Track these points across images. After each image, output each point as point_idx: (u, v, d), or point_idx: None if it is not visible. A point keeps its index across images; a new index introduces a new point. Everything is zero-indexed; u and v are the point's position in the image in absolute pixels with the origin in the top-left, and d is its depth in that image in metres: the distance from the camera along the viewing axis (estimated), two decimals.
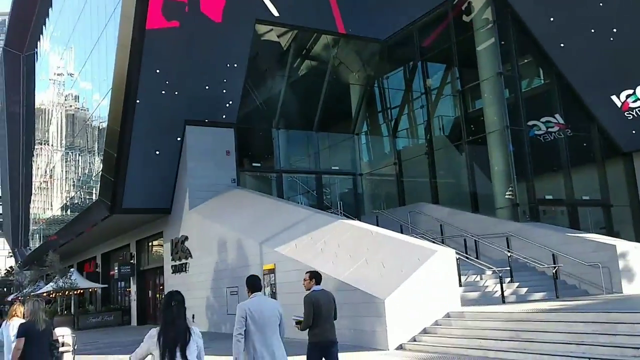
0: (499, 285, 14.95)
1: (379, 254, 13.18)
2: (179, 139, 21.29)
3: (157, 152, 21.22)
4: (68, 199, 34.10)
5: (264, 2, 21.09)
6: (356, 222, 15.83)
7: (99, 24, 26.10)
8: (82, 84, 30.94)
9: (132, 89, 19.81)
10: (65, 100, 35.76)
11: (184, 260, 21.07)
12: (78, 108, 32.34)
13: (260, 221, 17.88)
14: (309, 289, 6.85)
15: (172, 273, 21.92)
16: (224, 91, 21.30)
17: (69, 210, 33.46)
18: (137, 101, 19.98)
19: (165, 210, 22.23)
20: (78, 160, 31.85)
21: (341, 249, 14.09)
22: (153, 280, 25.59)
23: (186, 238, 20.92)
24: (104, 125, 26.44)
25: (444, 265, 12.49)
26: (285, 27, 22.15)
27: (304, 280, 6.95)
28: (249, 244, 16.75)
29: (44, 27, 46.44)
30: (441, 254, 12.51)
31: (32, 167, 52.20)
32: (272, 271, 15.42)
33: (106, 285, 29.80)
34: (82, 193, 30.04)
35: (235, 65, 21.08)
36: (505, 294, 14.55)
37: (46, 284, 35.56)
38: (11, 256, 79.59)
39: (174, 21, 19.65)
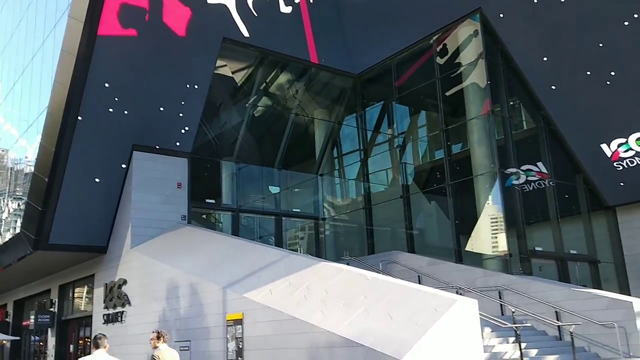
0: (505, 344, 12.91)
1: (381, 302, 10.78)
2: (123, 165, 18.38)
3: (97, 180, 18.18)
4: None
5: (234, 21, 19.02)
6: (345, 266, 13.42)
7: (34, 43, 23.15)
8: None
9: (74, 103, 16.93)
10: None
11: (119, 309, 17.77)
12: None
13: (221, 263, 15.12)
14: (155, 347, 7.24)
15: (104, 323, 18.47)
16: (180, 115, 18.74)
17: None
18: (79, 118, 17.09)
19: (101, 249, 18.97)
20: None
21: (330, 295, 11.60)
22: (77, 332, 21.82)
23: (124, 282, 17.71)
24: (20, 167, 24.97)
25: (465, 318, 10.25)
26: (254, 49, 20.03)
27: (151, 339, 7.54)
28: (208, 288, 13.91)
29: None
30: (462, 305, 10.28)
31: None
32: (238, 322, 12.63)
33: (18, 338, 25.44)
34: None
35: (196, 86, 18.69)
36: (515, 356, 12.49)
37: None
38: None
39: (131, 29, 17.17)
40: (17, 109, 25.07)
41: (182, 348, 14.42)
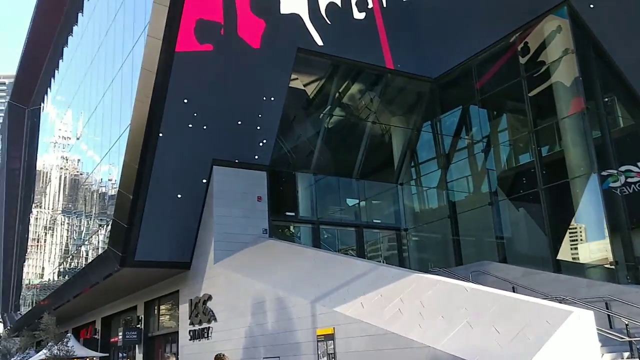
0: None
1: (485, 315, 9.99)
2: (204, 180, 18.41)
3: (179, 196, 18.29)
4: (62, 263, 32.99)
5: (308, 30, 18.78)
6: (441, 277, 12.67)
7: (114, 66, 23.82)
8: (82, 146, 30.45)
9: (155, 119, 17.11)
10: (65, 162, 35.59)
11: (205, 325, 17.67)
12: (78, 172, 31.92)
13: (308, 276, 14.70)
14: None
15: (190, 340, 18.45)
16: (258, 128, 18.62)
17: (61, 275, 32.22)
18: (160, 134, 17.25)
19: (185, 265, 19.01)
20: (74, 225, 31.56)
21: (427, 309, 10.89)
22: (163, 348, 21.98)
23: (209, 297, 17.61)
24: (103, 190, 26.10)
25: (581, 332, 9.30)
26: (328, 58, 19.68)
27: None
28: (296, 303, 13.51)
29: (52, 81, 45.03)
30: (578, 317, 9.34)
31: (27, 228, 49.82)
32: (329, 337, 12.12)
33: (107, 355, 26.01)
34: (77, 256, 28.65)
35: (272, 98, 18.52)
36: None
37: (37, 352, 31.76)
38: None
39: (207, 44, 17.23)
40: (99, 135, 25.89)
41: None
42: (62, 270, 32.85)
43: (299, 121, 21.14)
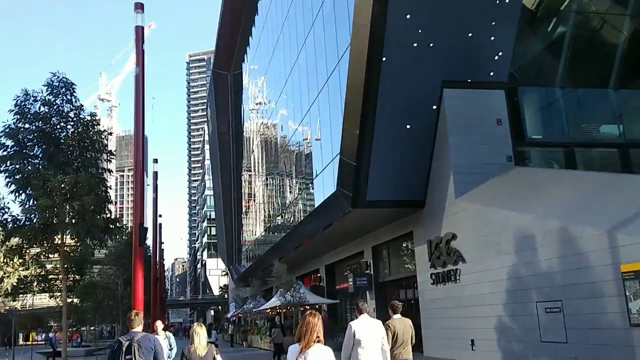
0: None
1: None
2: (434, 107, 16.26)
3: (408, 127, 16.42)
4: (273, 220, 34.69)
5: None
6: None
7: (312, 11, 22.75)
8: (280, 111, 31.16)
9: (377, 42, 15.24)
10: (265, 127, 37.27)
11: (450, 267, 15.77)
12: (277, 135, 33.08)
13: (589, 203, 11.90)
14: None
15: (432, 284, 16.74)
16: (492, 38, 15.82)
17: (275, 232, 33.90)
18: (383, 58, 15.38)
19: (418, 203, 17.24)
20: (279, 185, 32.94)
21: None
22: (397, 294, 20.71)
23: (453, 236, 15.61)
24: (298, 150, 26.52)
25: None
26: None
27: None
28: (581, 234, 10.86)
29: (247, 49, 46.52)
30: None
31: (241, 189, 53.06)
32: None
33: (337, 301, 25.68)
34: (289, 212, 29.44)
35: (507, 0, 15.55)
36: None
37: (267, 300, 33.10)
38: (225, 274, 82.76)
39: None
40: (298, 94, 25.53)
41: (549, 310, 11.69)
42: (274, 226, 33.82)
43: (539, 26, 17.80)
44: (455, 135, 15.84)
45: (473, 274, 14.75)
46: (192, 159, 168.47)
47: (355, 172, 16.53)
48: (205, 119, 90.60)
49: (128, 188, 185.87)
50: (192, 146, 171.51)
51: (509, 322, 13.14)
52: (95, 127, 16.60)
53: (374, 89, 15.68)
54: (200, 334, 6.78)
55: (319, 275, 30.98)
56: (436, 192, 16.57)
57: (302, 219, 25.81)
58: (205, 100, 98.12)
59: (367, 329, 7.46)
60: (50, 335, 35.99)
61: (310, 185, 24.13)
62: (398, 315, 8.78)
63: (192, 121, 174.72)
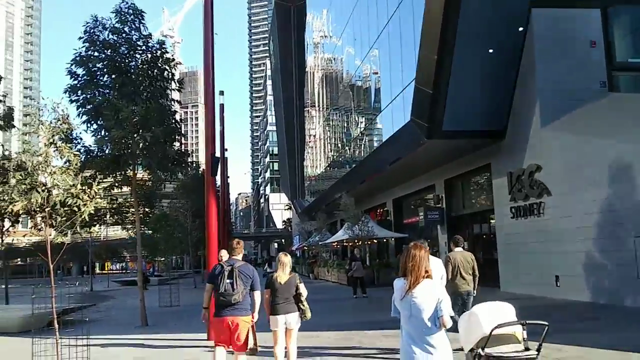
0: None
1: None
2: (521, 29, 15.01)
3: (491, 51, 15.29)
4: (335, 156, 34.42)
5: None
6: None
7: None
8: (345, 44, 30.12)
9: None
10: (328, 62, 36.12)
11: (533, 200, 14.93)
12: (340, 70, 32.16)
13: None
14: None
15: (512, 217, 16.00)
16: None
17: (336, 167, 33.89)
18: None
19: (498, 134, 16.29)
20: (343, 120, 32.39)
21: None
22: (471, 229, 20.08)
23: (538, 168, 14.70)
24: (363, 83, 25.81)
25: None
26: None
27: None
28: None
29: None
30: None
31: (304, 125, 52.83)
32: None
33: (406, 235, 25.27)
34: (350, 150, 29.27)
35: None
36: None
37: (332, 234, 33.11)
38: (288, 208, 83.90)
39: None
40: (364, 29, 24.42)
41: None
42: (338, 161, 33.41)
43: None
44: (543, 60, 14.66)
45: (559, 207, 13.91)
46: (254, 95, 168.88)
47: (431, 101, 15.66)
48: (267, 54, 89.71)
49: (192, 125, 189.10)
50: (253, 82, 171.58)
51: (600, 258, 12.36)
52: (164, 55, 16.27)
53: (454, 10, 14.55)
54: (285, 263, 6.99)
55: (385, 209, 30.56)
56: (519, 122, 15.55)
57: (368, 153, 25.22)
58: (267, 35, 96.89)
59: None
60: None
61: (375, 118, 23.38)
62: (459, 249, 8.83)
63: (253, 56, 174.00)
